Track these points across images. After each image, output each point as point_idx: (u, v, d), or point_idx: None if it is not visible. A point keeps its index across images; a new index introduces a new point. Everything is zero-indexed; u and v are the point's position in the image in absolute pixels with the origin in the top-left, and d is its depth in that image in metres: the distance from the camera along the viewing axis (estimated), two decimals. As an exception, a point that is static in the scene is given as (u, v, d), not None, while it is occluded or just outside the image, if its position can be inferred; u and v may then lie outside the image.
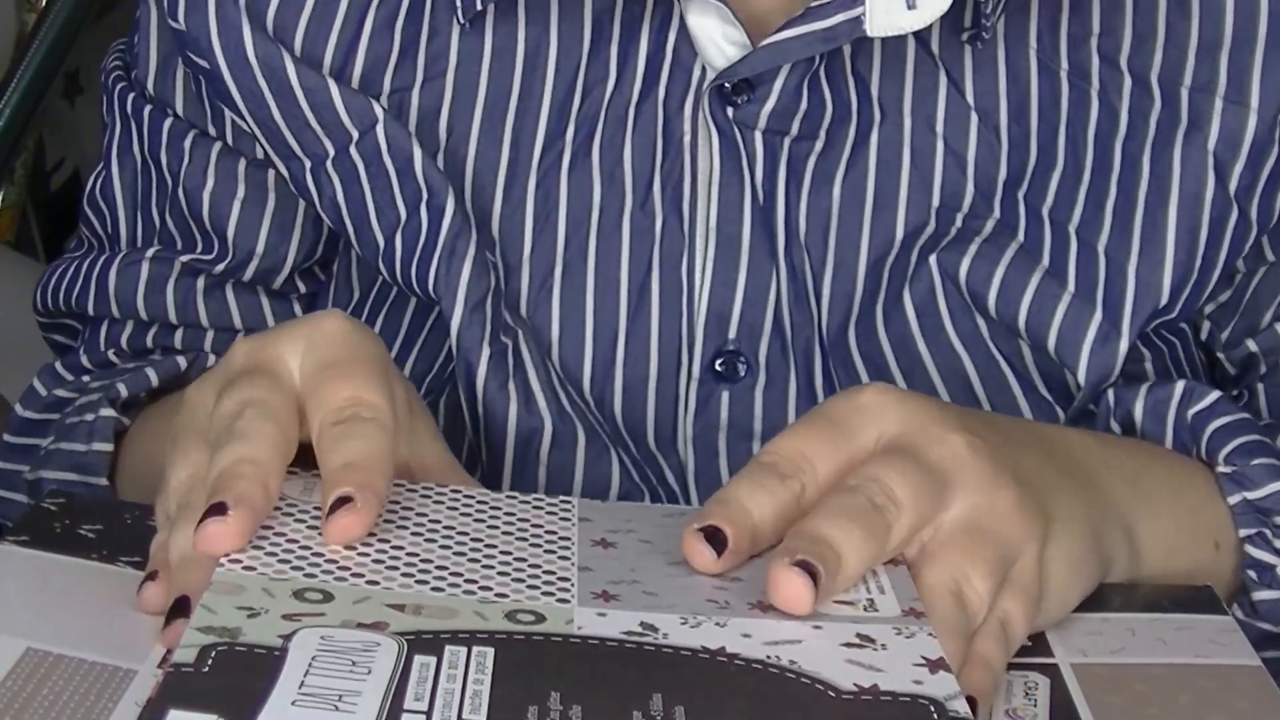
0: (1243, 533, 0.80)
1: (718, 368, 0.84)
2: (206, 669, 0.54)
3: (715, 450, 0.84)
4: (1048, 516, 0.67)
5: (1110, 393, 0.84)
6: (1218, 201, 0.84)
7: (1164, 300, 0.84)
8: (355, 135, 0.86)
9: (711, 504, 0.64)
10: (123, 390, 0.87)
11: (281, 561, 0.60)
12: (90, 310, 0.94)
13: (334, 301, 0.93)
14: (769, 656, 0.57)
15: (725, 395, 0.84)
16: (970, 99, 0.85)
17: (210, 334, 0.92)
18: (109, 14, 1.45)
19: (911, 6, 0.80)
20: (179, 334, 0.93)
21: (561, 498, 0.68)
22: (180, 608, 0.61)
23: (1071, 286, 0.84)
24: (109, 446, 0.86)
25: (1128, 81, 0.85)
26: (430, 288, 0.84)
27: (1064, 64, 0.85)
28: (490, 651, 0.56)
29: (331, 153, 0.86)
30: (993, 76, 0.85)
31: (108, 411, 0.86)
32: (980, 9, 0.83)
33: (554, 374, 0.84)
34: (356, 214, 0.86)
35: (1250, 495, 0.80)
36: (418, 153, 0.85)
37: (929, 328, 0.84)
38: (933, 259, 0.84)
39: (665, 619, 0.59)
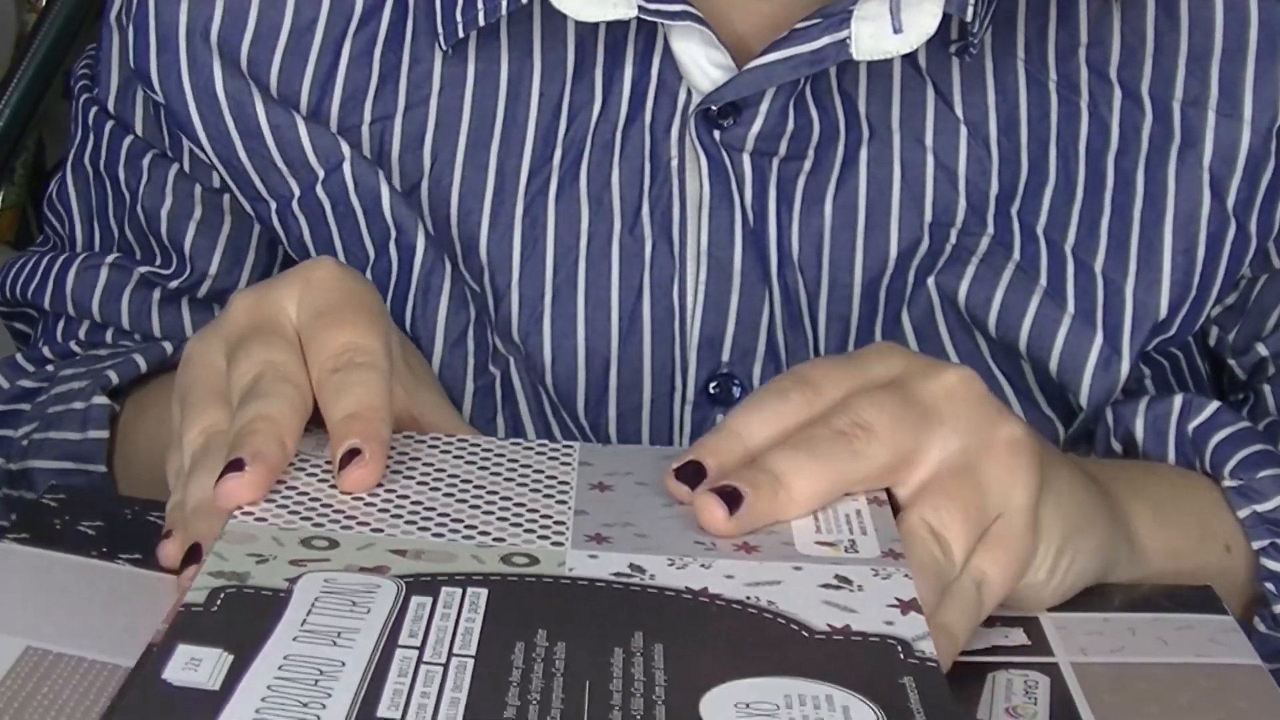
0: (1255, 545, 0.79)
1: (711, 390, 0.84)
2: (215, 609, 0.57)
3: None
4: (1045, 466, 0.66)
5: (1109, 412, 0.83)
6: (1215, 218, 0.84)
7: (1162, 317, 0.84)
8: (321, 174, 0.85)
9: (706, 435, 0.65)
10: (113, 377, 0.87)
11: (291, 513, 0.63)
12: (47, 306, 0.94)
13: None
14: (748, 597, 0.60)
15: (720, 418, 0.81)
16: (959, 112, 0.84)
17: (166, 345, 0.90)
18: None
19: (898, 30, 0.79)
20: (135, 339, 0.93)
21: (564, 443, 0.71)
22: (193, 554, 0.63)
23: (1071, 308, 0.83)
24: (105, 434, 0.86)
25: (1118, 94, 0.84)
26: (408, 326, 0.85)
27: (1052, 75, 0.84)
28: (484, 592, 0.59)
29: (297, 193, 0.86)
30: (981, 90, 0.84)
31: (101, 399, 0.86)
32: (967, 26, 0.81)
33: (546, 400, 0.85)
34: (324, 253, 0.86)
35: (1260, 508, 0.79)
36: (385, 190, 0.85)
37: (929, 350, 0.83)
38: (930, 281, 0.84)
39: (653, 560, 0.62)
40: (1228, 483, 0.80)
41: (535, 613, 0.58)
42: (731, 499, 0.62)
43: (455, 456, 0.69)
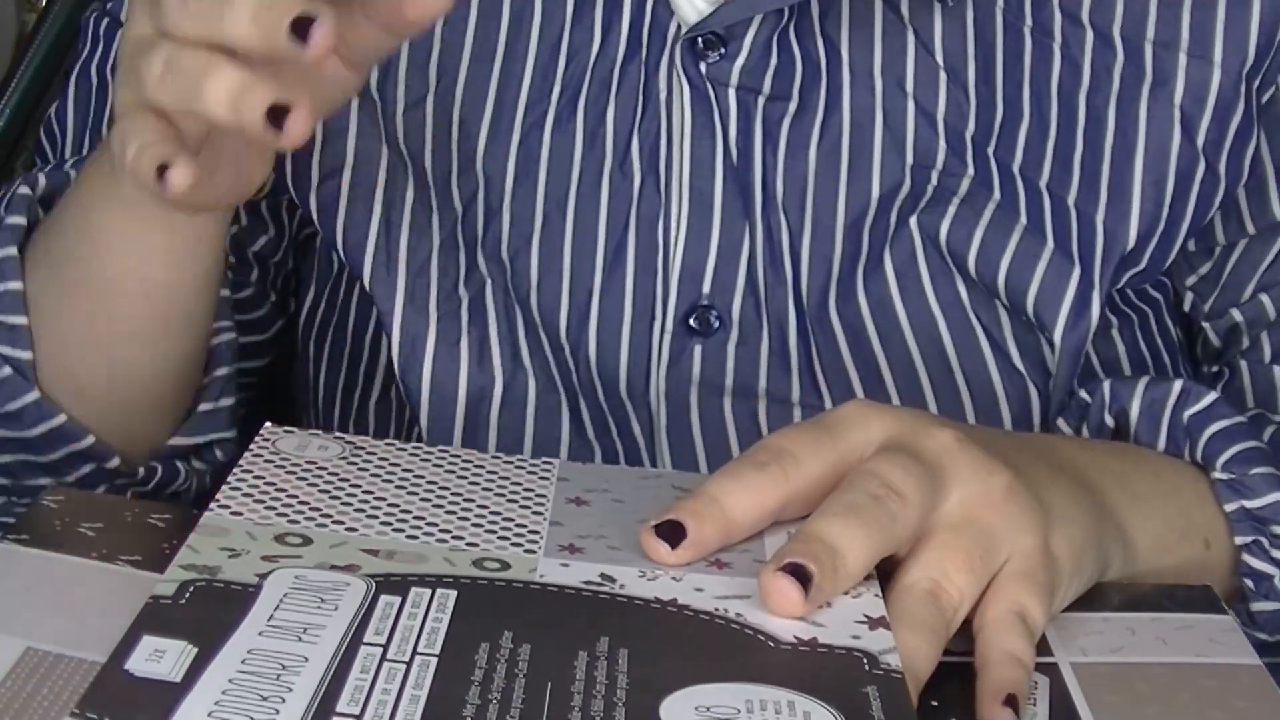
0: (1238, 540, 0.79)
1: (691, 323, 0.85)
2: (184, 601, 0.57)
3: (686, 404, 0.85)
4: (1046, 507, 0.66)
5: (1106, 386, 0.83)
6: (1184, 155, 0.85)
7: (1130, 246, 0.85)
8: None
9: (681, 498, 0.64)
10: (42, 181, 0.87)
11: (267, 509, 0.64)
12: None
13: (254, 231, 0.94)
14: (717, 609, 0.60)
15: (698, 349, 0.85)
16: (939, 59, 0.86)
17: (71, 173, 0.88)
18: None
19: None
20: None
21: (544, 459, 0.71)
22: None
23: (1050, 242, 0.85)
24: (22, 220, 0.84)
25: (1089, 35, 0.86)
26: (369, 254, 0.87)
27: (1028, 21, 0.86)
28: (453, 594, 0.59)
29: None
30: (961, 38, 0.86)
31: (24, 189, 0.86)
32: None
33: (522, 321, 0.86)
34: (278, 162, 0.87)
35: (1249, 504, 0.79)
36: (353, 118, 0.87)
37: (909, 291, 0.85)
38: (913, 221, 0.85)
39: (624, 571, 0.62)
40: (1218, 475, 0.79)
41: (502, 615, 0.58)
42: (801, 577, 0.60)
43: (435, 465, 0.69)
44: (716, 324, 0.85)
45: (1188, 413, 0.81)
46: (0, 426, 0.84)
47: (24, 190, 0.86)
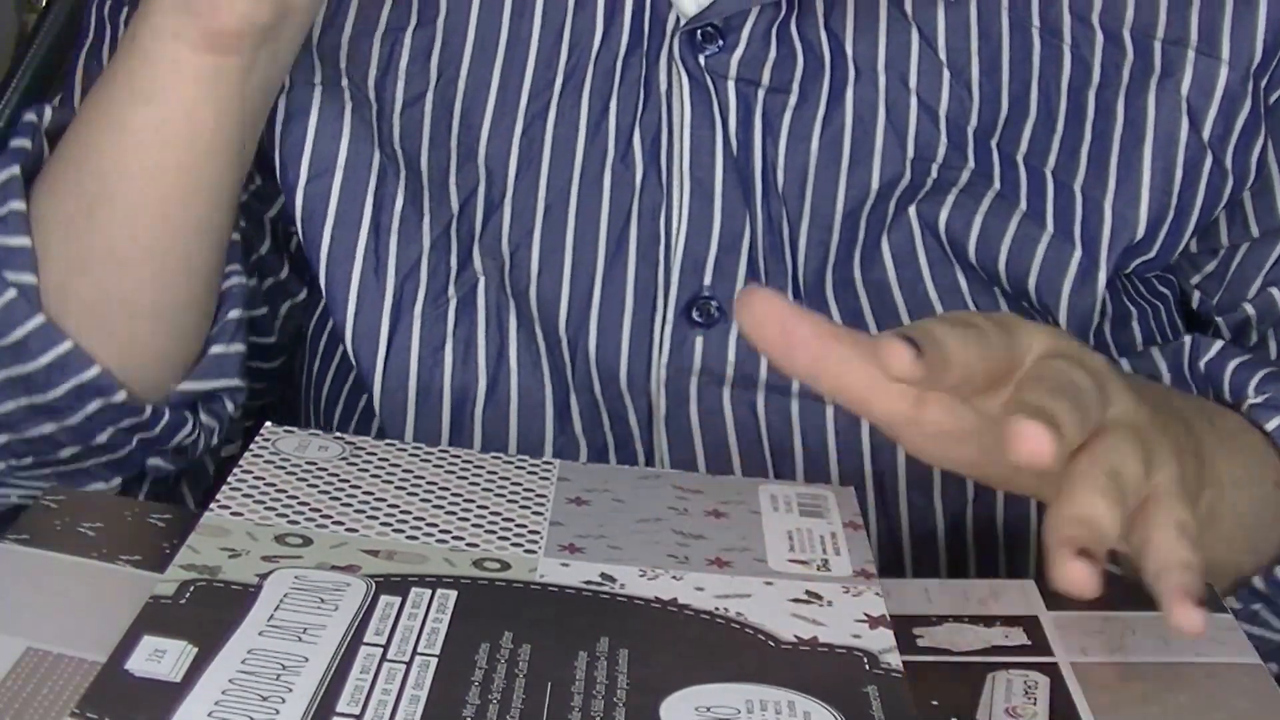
0: None
1: (693, 315, 0.85)
2: (184, 601, 0.57)
3: (686, 395, 0.85)
4: (1176, 442, 0.66)
5: (1124, 363, 0.84)
6: (1192, 145, 0.85)
7: (1140, 233, 0.85)
8: (287, 85, 0.87)
9: (894, 330, 0.60)
10: (48, 113, 0.86)
11: (267, 509, 0.64)
12: None
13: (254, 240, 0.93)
14: (717, 608, 0.60)
15: (699, 340, 0.85)
16: (942, 55, 0.86)
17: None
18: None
19: None
20: None
21: (544, 459, 0.71)
22: None
23: (1050, 226, 0.85)
24: (15, 170, 0.83)
25: (1099, 37, 0.86)
26: (359, 256, 0.86)
27: (1035, 21, 0.86)
28: (453, 594, 0.59)
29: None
30: (965, 35, 0.86)
31: (21, 141, 0.84)
32: None
33: (514, 317, 0.86)
34: (262, 148, 0.86)
35: None
36: (348, 120, 0.87)
37: (906, 279, 0.85)
38: (912, 210, 0.85)
39: (625, 570, 0.62)
40: (1253, 399, 0.79)
41: (502, 615, 0.58)
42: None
43: (435, 465, 0.69)
44: (718, 314, 0.85)
45: (1204, 360, 0.83)
46: (1, 366, 0.82)
47: (30, 118, 0.85)
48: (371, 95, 0.88)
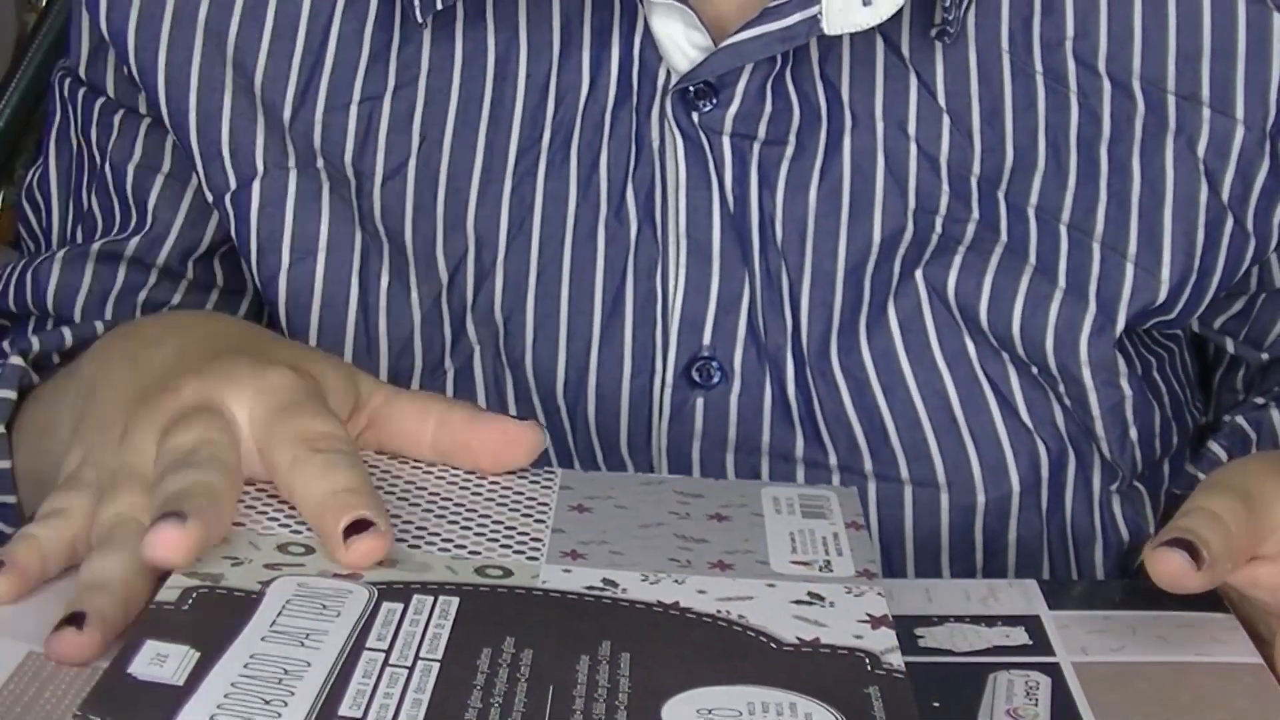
0: None
1: (693, 375, 0.84)
2: (186, 607, 0.57)
3: (688, 459, 0.84)
4: None
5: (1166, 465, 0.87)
6: (1211, 206, 0.84)
7: (1163, 296, 0.84)
8: (260, 171, 0.86)
9: (1179, 520, 0.65)
10: (35, 344, 0.84)
11: (270, 519, 0.64)
12: (13, 307, 0.92)
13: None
14: (719, 611, 0.60)
15: (700, 402, 0.84)
16: (941, 101, 0.84)
17: (98, 325, 0.86)
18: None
19: (866, 3, 0.80)
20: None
21: (546, 469, 0.71)
22: (75, 620, 0.59)
23: (1062, 283, 0.84)
24: (12, 394, 0.81)
25: (1107, 86, 0.84)
26: (349, 335, 0.86)
27: (1038, 67, 0.85)
28: (455, 600, 0.59)
29: (233, 187, 0.87)
30: (964, 79, 0.84)
31: (16, 360, 0.82)
32: (944, 7, 0.83)
33: (511, 386, 0.85)
34: (243, 253, 0.87)
35: None
36: (325, 200, 0.86)
37: (914, 345, 0.84)
38: (919, 274, 0.84)
39: (627, 575, 0.62)
40: None
41: (505, 621, 0.58)
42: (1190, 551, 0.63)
43: (437, 477, 0.69)
44: (718, 375, 0.84)
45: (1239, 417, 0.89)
46: None
47: (16, 361, 0.82)
48: (350, 172, 0.86)
